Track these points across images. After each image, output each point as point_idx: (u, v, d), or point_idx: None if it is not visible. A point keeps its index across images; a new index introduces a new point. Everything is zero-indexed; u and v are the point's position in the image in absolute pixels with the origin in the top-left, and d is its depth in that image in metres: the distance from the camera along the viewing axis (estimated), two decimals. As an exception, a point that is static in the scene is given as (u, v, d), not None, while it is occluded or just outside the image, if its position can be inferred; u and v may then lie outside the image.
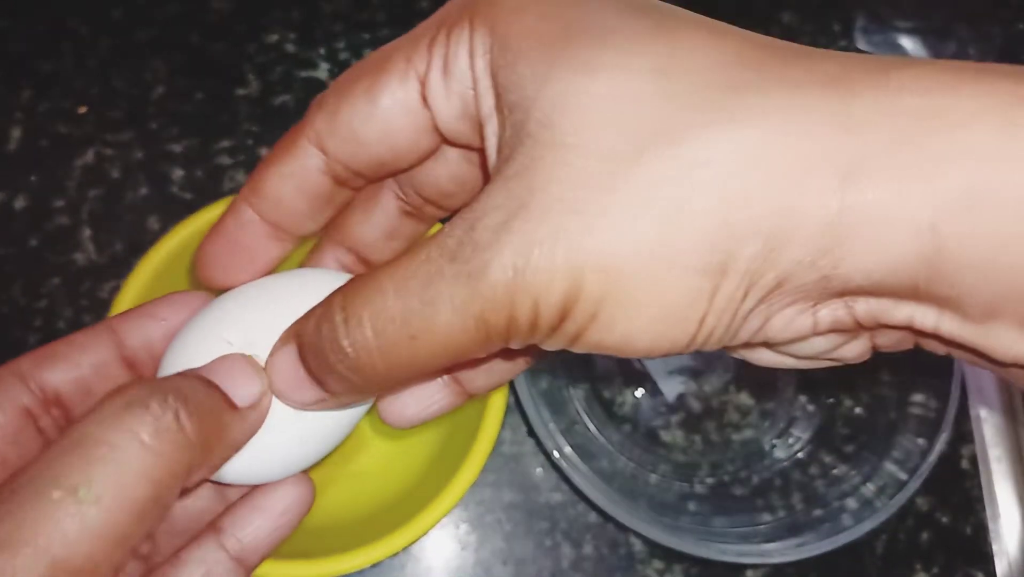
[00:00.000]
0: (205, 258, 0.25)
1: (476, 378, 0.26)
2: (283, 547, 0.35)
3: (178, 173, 0.47)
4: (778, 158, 0.16)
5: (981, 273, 0.16)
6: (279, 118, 0.48)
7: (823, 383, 0.44)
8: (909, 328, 0.18)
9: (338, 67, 0.49)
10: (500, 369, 0.26)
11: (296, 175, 0.23)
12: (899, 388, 0.41)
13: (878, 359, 0.22)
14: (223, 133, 0.47)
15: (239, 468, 0.23)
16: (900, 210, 0.16)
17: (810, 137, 0.16)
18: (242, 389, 0.22)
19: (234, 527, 0.24)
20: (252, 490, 0.25)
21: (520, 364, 0.26)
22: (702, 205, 0.17)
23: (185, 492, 0.23)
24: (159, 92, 0.48)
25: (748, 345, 0.20)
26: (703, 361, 0.45)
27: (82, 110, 0.47)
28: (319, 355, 0.20)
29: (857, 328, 0.19)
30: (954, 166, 0.15)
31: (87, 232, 0.45)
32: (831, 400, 0.44)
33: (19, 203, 0.46)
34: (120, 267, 0.44)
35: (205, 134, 0.47)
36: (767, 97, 0.17)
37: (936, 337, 0.18)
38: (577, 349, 0.19)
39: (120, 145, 0.47)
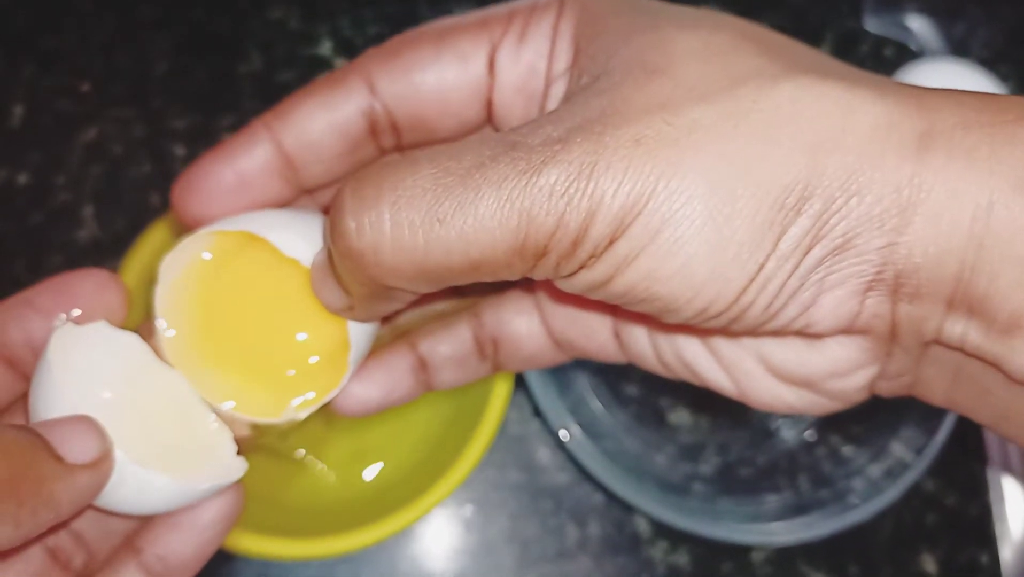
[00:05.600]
0: (192, 176, 0.22)
1: (444, 371, 0.24)
2: (286, 526, 0.35)
3: (180, 150, 0.46)
4: (866, 114, 0.17)
5: (1020, 266, 0.17)
6: (282, 95, 0.47)
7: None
8: (935, 341, 0.18)
9: (341, 44, 0.49)
10: (471, 367, 0.24)
11: (335, 107, 0.21)
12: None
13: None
14: (226, 110, 0.47)
15: (125, 497, 0.20)
16: (965, 186, 0.17)
17: (892, 106, 0.17)
18: (74, 443, 0.18)
19: (154, 546, 0.21)
20: None
21: (488, 367, 0.25)
22: (791, 137, 0.17)
23: (4, 555, 0.19)
24: (162, 69, 0.48)
25: (779, 333, 0.19)
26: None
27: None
28: (331, 241, 0.18)
29: (889, 339, 0.19)
30: (1012, 155, 0.17)
31: (89, 209, 0.45)
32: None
33: (21, 180, 0.45)
34: (122, 244, 0.44)
35: (208, 111, 0.47)
36: (851, 71, 0.18)
37: (960, 350, 0.18)
38: (612, 286, 0.18)
39: (122, 122, 0.47)
